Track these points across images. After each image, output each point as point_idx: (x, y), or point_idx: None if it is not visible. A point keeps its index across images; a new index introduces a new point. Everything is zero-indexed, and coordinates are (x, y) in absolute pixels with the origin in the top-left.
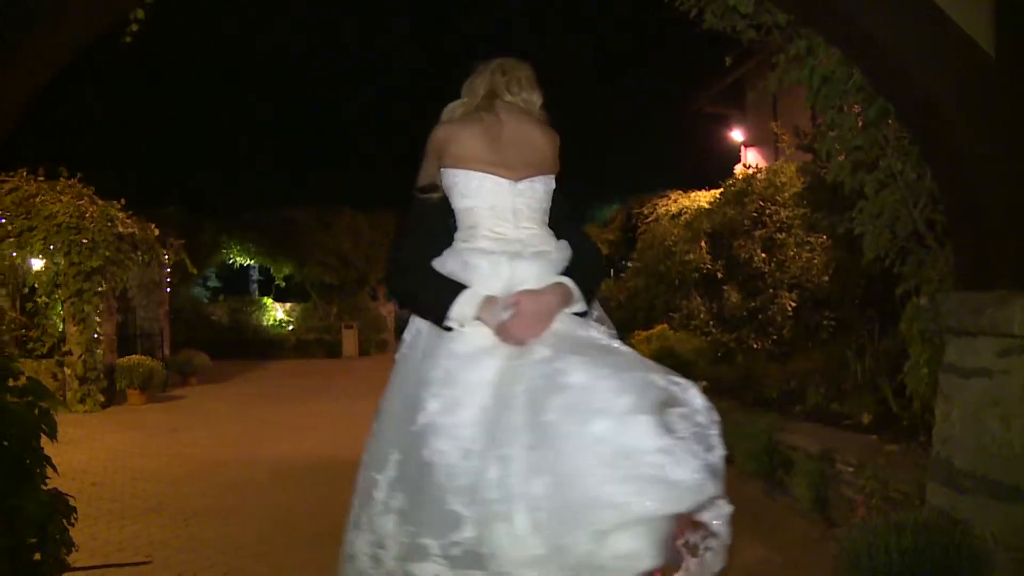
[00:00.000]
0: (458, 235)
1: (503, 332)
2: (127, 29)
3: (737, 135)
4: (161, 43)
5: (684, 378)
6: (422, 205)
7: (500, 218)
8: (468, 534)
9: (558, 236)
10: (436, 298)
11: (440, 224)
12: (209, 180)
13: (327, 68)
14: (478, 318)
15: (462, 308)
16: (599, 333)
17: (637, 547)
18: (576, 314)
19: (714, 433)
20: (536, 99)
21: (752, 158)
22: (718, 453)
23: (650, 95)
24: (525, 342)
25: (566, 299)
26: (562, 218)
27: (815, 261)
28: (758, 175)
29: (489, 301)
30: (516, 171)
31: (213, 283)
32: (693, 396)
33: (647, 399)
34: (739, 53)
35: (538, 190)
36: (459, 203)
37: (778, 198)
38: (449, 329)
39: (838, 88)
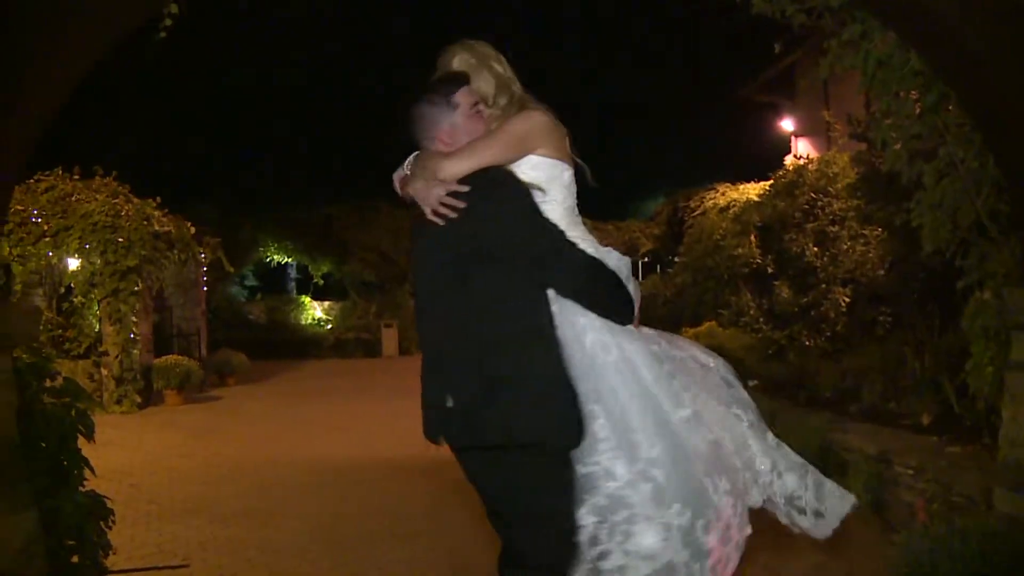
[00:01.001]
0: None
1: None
2: (160, 24)
3: (787, 125)
4: (197, 38)
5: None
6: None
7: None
8: None
9: None
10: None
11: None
12: (246, 177)
13: (367, 60)
14: None
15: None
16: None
17: None
18: None
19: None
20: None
21: (803, 148)
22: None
23: (696, 84)
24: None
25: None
26: None
27: (870, 255)
28: (809, 166)
29: None
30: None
31: (250, 282)
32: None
33: None
34: (789, 39)
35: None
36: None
37: (830, 189)
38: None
39: (894, 73)
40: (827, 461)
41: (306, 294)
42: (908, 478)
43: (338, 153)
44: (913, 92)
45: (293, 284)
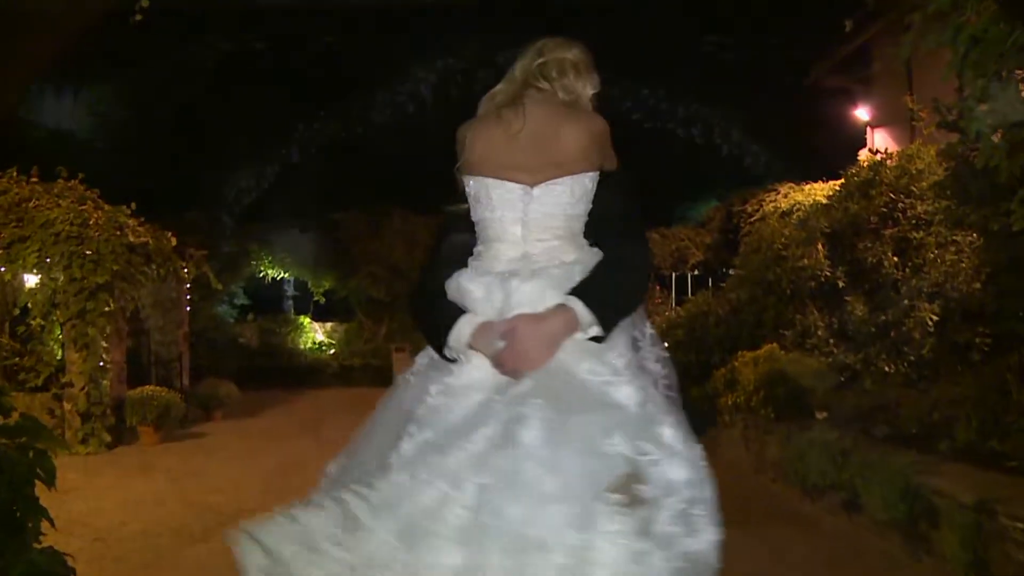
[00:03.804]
0: (475, 251)
1: (498, 363)
2: (136, 6)
3: (862, 114)
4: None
5: (680, 439)
6: (450, 217)
7: (510, 231)
8: None
9: (596, 242)
10: (436, 323)
11: (464, 239)
12: (236, 180)
13: (377, 48)
14: (471, 347)
15: (457, 335)
16: (603, 366)
17: None
18: (597, 339)
19: (701, 513)
20: (582, 86)
21: (880, 141)
22: (706, 538)
23: (755, 68)
24: (521, 375)
25: (570, 324)
26: (608, 221)
27: (963, 264)
28: (888, 161)
29: (484, 328)
30: (534, 174)
31: (241, 300)
32: (672, 468)
33: (590, 477)
34: (862, 14)
35: (560, 193)
36: (474, 214)
37: (913, 189)
38: (452, 360)
39: (992, 50)
40: (914, 509)
41: (305, 314)
42: (1018, 533)
43: (343, 149)
44: (1018, 71)
45: (290, 303)
